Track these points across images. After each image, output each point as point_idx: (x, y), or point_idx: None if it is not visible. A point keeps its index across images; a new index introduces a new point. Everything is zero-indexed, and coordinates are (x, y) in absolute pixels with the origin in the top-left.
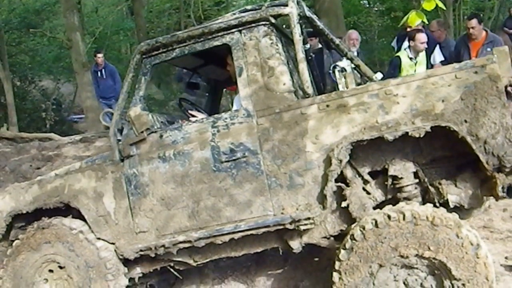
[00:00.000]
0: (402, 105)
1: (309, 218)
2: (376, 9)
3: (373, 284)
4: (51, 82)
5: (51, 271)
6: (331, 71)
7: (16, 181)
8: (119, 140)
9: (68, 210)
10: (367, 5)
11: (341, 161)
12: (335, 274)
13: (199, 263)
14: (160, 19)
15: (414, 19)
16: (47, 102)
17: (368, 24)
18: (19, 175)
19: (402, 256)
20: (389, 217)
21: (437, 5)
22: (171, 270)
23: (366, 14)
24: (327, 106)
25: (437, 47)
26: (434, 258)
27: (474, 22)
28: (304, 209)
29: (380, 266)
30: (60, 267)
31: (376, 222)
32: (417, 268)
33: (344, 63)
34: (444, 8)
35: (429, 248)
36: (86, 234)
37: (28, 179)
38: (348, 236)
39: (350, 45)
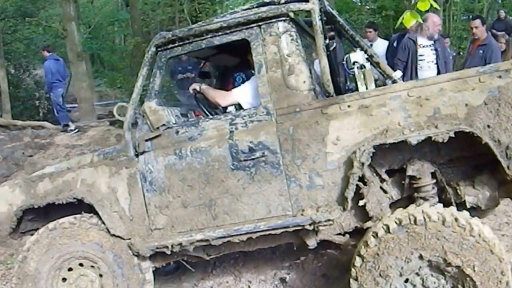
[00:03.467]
0: (425, 108)
1: (329, 220)
2: (368, 7)
3: (402, 268)
4: None
5: (81, 265)
6: (344, 62)
7: (8, 168)
8: (134, 125)
9: (78, 204)
10: (359, 3)
11: (363, 164)
12: (373, 239)
13: (212, 256)
14: (155, 11)
15: (409, 20)
16: (40, 90)
17: (360, 22)
18: (12, 162)
19: (445, 260)
20: (456, 220)
21: (431, 5)
22: (183, 263)
23: (357, 12)
24: (349, 106)
25: None
26: (470, 278)
27: (477, 22)
28: (325, 211)
29: (420, 257)
30: (92, 267)
31: (443, 219)
32: (444, 275)
33: (358, 54)
34: (439, 8)
35: (473, 268)
36: (140, 261)
37: (21, 167)
38: (408, 215)
39: (434, 31)
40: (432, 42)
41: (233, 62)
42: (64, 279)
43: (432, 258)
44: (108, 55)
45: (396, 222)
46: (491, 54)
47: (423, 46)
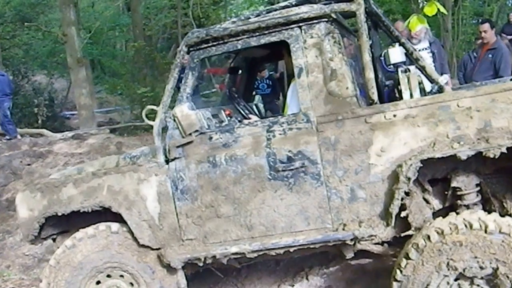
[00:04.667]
0: (475, 120)
1: (372, 236)
2: None
3: (470, 268)
4: (44, 77)
5: (121, 276)
6: (382, 58)
7: (5, 177)
8: (164, 129)
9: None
10: None
11: (409, 179)
12: (464, 228)
13: (243, 264)
14: (157, 15)
15: (415, 24)
16: (39, 97)
17: None
18: (9, 171)
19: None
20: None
21: (438, 9)
22: (213, 269)
23: None
24: (394, 116)
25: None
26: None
27: (486, 26)
28: (367, 226)
29: (495, 269)
30: (131, 284)
31: (501, 229)
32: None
33: (397, 50)
34: (446, 13)
35: None
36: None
37: (18, 175)
38: (509, 225)
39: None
40: (428, 45)
41: (262, 53)
42: (98, 282)
43: (505, 275)
44: (108, 61)
45: (495, 227)
46: (500, 58)
47: (420, 50)
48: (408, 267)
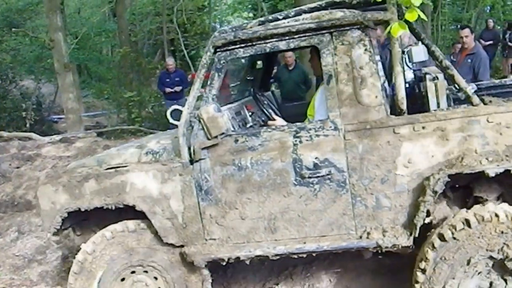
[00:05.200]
0: (504, 136)
1: (395, 245)
2: None
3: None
4: (32, 82)
5: (155, 278)
6: (405, 56)
7: None
8: (189, 129)
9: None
10: None
11: (436, 192)
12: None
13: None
14: (143, 22)
15: (396, 30)
16: (27, 101)
17: None
18: None
19: None
20: None
21: (418, 15)
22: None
23: None
24: (423, 128)
25: None
26: None
27: (467, 31)
28: (391, 236)
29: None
30: (156, 278)
31: None
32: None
33: (420, 49)
34: (426, 19)
35: None
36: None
37: (7, 178)
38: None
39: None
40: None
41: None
42: (133, 272)
43: None
44: (95, 66)
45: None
46: (479, 63)
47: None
48: (463, 233)
